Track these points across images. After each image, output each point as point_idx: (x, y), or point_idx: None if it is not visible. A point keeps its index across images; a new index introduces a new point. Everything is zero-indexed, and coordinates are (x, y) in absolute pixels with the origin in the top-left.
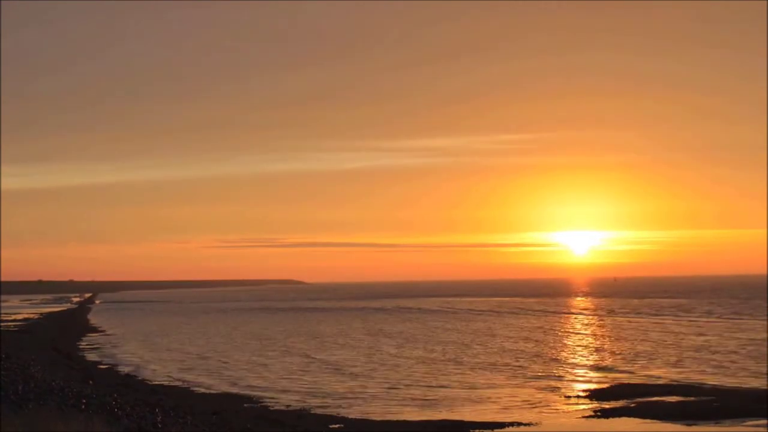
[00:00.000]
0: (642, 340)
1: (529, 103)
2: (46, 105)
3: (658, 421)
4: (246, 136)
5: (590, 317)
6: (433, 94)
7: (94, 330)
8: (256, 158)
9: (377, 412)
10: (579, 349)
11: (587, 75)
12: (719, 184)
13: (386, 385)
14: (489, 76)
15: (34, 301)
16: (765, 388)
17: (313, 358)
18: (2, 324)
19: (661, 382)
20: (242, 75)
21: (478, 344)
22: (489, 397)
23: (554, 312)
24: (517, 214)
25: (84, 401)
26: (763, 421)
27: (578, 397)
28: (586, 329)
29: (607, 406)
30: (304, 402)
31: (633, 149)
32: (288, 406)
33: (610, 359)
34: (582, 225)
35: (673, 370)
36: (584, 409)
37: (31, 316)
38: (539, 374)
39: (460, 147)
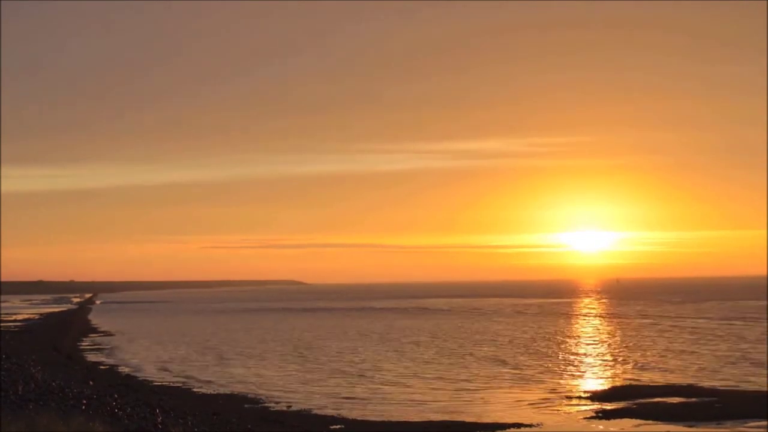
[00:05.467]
0: (641, 341)
1: (539, 106)
2: (46, 107)
3: (659, 422)
4: (246, 138)
5: (588, 319)
6: (441, 97)
7: (95, 330)
8: (257, 160)
9: (377, 412)
10: (579, 350)
11: (599, 77)
12: (736, 185)
13: (387, 385)
14: (495, 78)
15: (34, 302)
16: (766, 389)
17: (309, 357)
18: (2, 324)
19: (662, 383)
20: (242, 77)
21: (479, 345)
22: (490, 398)
23: (554, 314)
24: (527, 215)
25: (84, 402)
26: (764, 423)
27: (580, 398)
28: (584, 331)
29: (609, 407)
30: (305, 402)
31: (644, 151)
32: (289, 406)
33: (611, 360)
34: (591, 226)
35: (674, 371)
36: (586, 410)
37: (32, 316)
38: (540, 375)
39: (464, 149)
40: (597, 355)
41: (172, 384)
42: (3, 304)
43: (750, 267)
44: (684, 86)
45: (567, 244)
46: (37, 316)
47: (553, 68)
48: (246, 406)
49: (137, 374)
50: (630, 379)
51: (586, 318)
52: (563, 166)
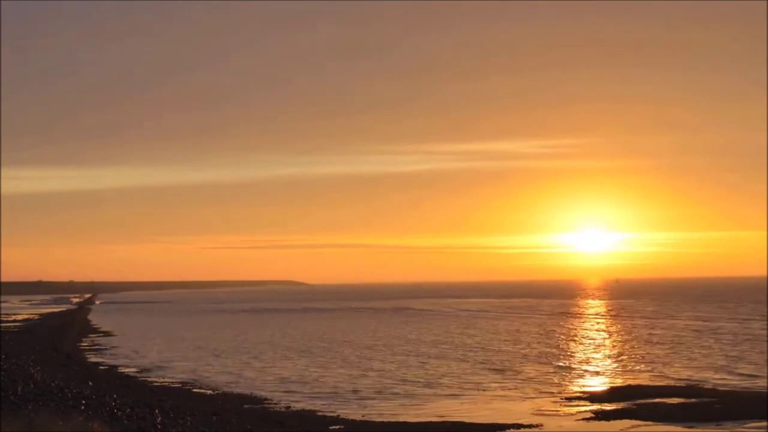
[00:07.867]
0: (640, 341)
1: (543, 109)
2: (47, 109)
3: (659, 423)
4: (247, 140)
5: (587, 319)
6: (449, 101)
7: (95, 331)
8: (258, 161)
9: (377, 412)
10: (579, 350)
11: (604, 84)
12: (736, 187)
13: (387, 386)
14: (501, 83)
15: (34, 302)
16: (766, 389)
17: (309, 358)
18: (2, 324)
19: (661, 383)
20: (241, 79)
21: (480, 345)
22: (490, 399)
23: (554, 313)
24: (531, 216)
25: (84, 402)
26: (764, 423)
27: (579, 398)
28: (582, 331)
29: (608, 408)
30: (305, 402)
31: (646, 154)
32: (288, 407)
33: (611, 361)
34: (594, 227)
35: (673, 371)
36: (585, 411)
37: (31, 316)
38: (540, 375)
39: (469, 151)
40: (596, 356)
41: (171, 384)
42: (3, 304)
43: (750, 267)
44: (684, 92)
45: (570, 244)
46: (36, 317)
47: (560, 76)
48: (246, 406)
49: (137, 374)
50: (629, 380)
51: (585, 318)
52: (567, 167)
